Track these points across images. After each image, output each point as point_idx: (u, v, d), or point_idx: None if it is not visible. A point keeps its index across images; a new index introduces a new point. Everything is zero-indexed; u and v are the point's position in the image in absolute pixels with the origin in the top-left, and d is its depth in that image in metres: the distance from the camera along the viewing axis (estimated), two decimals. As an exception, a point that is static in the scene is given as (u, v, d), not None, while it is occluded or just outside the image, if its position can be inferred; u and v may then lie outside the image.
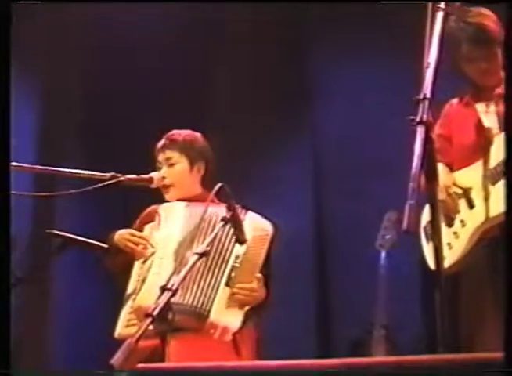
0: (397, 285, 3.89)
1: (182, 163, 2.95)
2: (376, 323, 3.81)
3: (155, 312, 2.08)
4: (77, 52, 4.55)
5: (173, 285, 2.16)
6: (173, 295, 2.15)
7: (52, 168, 2.87)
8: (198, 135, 3.02)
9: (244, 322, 2.66)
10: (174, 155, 2.96)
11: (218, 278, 2.65)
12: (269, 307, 2.81)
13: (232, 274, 2.66)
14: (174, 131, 3.01)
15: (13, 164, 2.51)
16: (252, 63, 4.62)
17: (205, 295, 2.61)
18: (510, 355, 1.56)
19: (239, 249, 2.68)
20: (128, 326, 2.68)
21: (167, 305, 2.13)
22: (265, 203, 4.21)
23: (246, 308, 2.67)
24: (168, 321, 2.19)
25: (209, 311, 2.59)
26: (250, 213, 2.73)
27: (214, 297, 2.62)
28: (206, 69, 4.67)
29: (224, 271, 2.66)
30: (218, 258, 2.66)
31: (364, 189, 4.35)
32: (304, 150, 4.64)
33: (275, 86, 4.59)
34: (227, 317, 2.62)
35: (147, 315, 2.08)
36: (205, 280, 2.63)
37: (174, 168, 2.95)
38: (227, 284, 2.65)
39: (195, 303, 2.59)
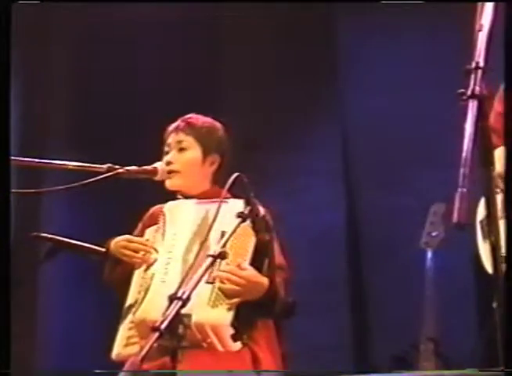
0: (447, 290, 3.89)
1: (194, 150, 2.94)
2: (423, 335, 3.81)
3: (163, 326, 2.08)
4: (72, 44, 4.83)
5: (183, 293, 2.16)
6: (183, 305, 2.16)
7: (40, 160, 2.89)
8: (218, 124, 3.01)
9: (240, 318, 2.60)
10: (188, 139, 2.95)
11: (198, 277, 2.61)
12: (288, 310, 2.80)
13: (214, 268, 2.57)
14: (192, 115, 3.01)
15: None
16: (273, 44, 4.66)
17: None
18: (510, 355, 1.56)
19: (220, 240, 2.61)
20: (127, 344, 2.68)
21: (177, 317, 2.14)
22: (287, 198, 4.25)
23: (233, 300, 2.61)
24: (178, 335, 2.21)
25: (190, 316, 2.53)
26: (233, 199, 2.65)
27: (196, 299, 2.53)
28: (222, 49, 4.74)
29: (203, 267, 2.62)
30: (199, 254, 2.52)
31: (404, 179, 4.35)
32: (332, 136, 4.65)
33: (298, 64, 4.61)
34: (212, 316, 2.57)
35: (154, 329, 2.08)
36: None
37: (184, 154, 2.94)
38: (208, 281, 2.58)
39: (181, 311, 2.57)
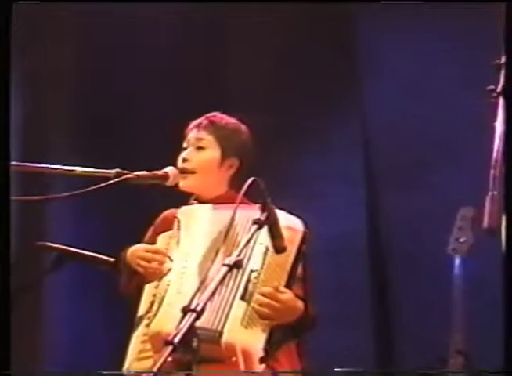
0: (477, 299, 3.87)
1: (213, 150, 2.97)
2: (452, 347, 3.78)
3: (176, 340, 2.07)
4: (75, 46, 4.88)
5: (197, 305, 2.15)
6: (198, 318, 2.16)
7: (45, 166, 2.89)
8: (243, 127, 3.04)
9: (271, 342, 2.64)
10: (208, 138, 2.97)
11: (233, 291, 2.64)
12: (311, 324, 2.81)
13: (250, 284, 2.66)
14: (216, 113, 3.04)
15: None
16: (290, 42, 4.68)
17: (217, 315, 2.60)
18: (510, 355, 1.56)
19: (258, 254, 2.67)
20: (140, 358, 2.70)
21: (191, 330, 2.15)
22: (304, 203, 4.24)
23: (268, 323, 2.65)
24: (193, 350, 2.21)
25: (221, 333, 2.58)
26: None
27: (228, 315, 2.61)
28: (229, 49, 4.77)
29: (240, 282, 2.66)
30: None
31: (430, 181, 4.34)
32: (351, 138, 4.64)
33: (316, 65, 4.62)
34: (245, 338, 2.60)
35: (167, 343, 2.08)
36: (218, 295, 2.59)
37: (202, 153, 2.97)
38: (243, 298, 2.64)
39: (207, 325, 2.57)
